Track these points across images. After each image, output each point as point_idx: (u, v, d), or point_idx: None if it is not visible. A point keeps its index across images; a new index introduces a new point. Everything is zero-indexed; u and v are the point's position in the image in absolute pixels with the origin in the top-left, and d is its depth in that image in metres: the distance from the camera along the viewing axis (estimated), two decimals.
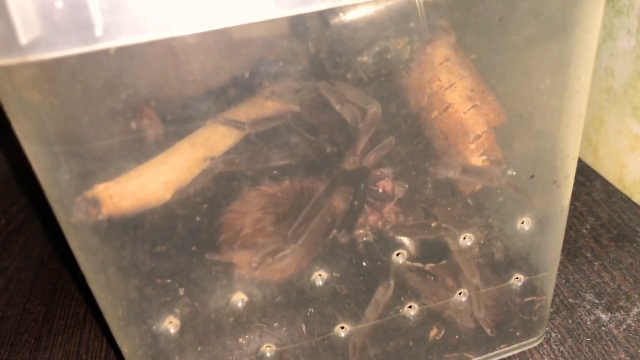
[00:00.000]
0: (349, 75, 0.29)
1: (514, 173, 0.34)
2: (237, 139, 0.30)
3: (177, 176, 0.29)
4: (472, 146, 0.33)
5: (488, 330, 0.38)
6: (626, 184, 0.58)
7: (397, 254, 0.35)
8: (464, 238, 0.35)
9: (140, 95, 0.26)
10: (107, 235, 0.29)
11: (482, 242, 0.36)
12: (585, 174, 0.61)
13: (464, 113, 0.32)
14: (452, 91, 0.32)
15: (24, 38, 0.22)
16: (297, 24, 0.27)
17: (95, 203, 0.27)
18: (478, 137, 0.33)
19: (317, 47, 0.27)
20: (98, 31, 0.22)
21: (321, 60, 0.28)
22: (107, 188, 0.27)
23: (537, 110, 0.33)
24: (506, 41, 0.31)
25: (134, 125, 0.26)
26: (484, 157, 0.33)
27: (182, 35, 0.24)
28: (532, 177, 0.35)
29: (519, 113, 0.34)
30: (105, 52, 0.24)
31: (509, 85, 0.33)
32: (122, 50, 0.24)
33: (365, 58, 0.28)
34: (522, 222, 0.36)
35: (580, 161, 0.61)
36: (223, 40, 0.26)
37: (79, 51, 0.23)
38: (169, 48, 0.25)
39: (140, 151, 0.28)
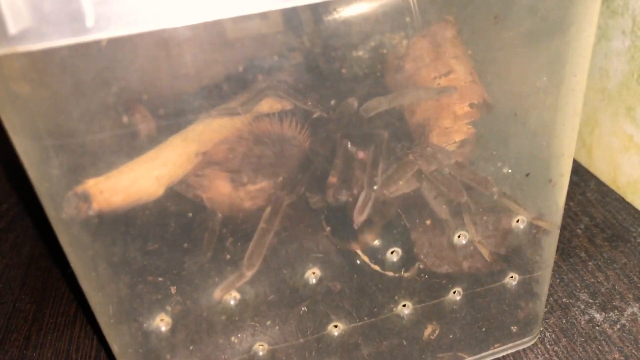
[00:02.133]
0: (344, 70, 0.28)
1: (510, 171, 0.34)
2: (230, 134, 0.29)
3: (169, 172, 0.28)
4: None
5: (486, 256, 0.37)
6: (620, 184, 0.58)
7: (392, 252, 0.34)
8: (459, 236, 0.35)
9: (131, 89, 0.25)
10: (97, 231, 0.29)
11: (477, 240, 0.36)
12: (579, 174, 0.61)
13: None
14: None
15: (12, 28, 0.21)
16: (291, 17, 0.26)
17: (86, 198, 0.27)
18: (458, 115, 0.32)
19: (312, 41, 0.27)
20: (89, 22, 0.22)
21: (316, 54, 0.27)
22: (98, 183, 0.27)
23: (533, 108, 0.33)
24: (502, 38, 0.31)
25: (125, 119, 0.26)
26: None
27: (175, 27, 0.24)
28: (527, 175, 0.34)
29: (514, 111, 0.33)
30: (96, 44, 0.23)
31: (504, 82, 0.33)
32: (114, 42, 0.23)
33: (360, 53, 0.28)
34: (517, 221, 0.36)
35: (574, 161, 0.61)
36: (216, 33, 0.25)
37: (69, 42, 0.22)
38: (161, 40, 0.24)
39: (131, 146, 0.27)
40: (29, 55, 0.22)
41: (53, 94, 0.25)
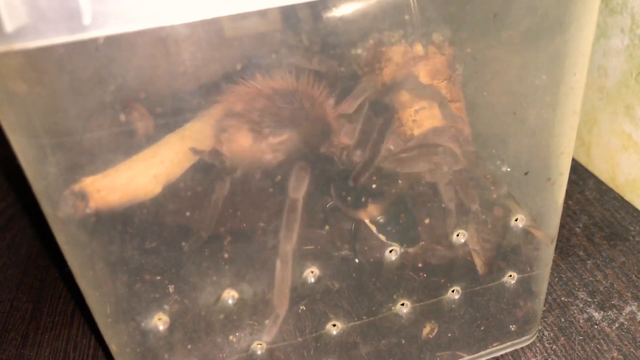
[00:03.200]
0: (342, 68, 0.28)
1: (508, 170, 0.34)
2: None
3: (166, 170, 0.28)
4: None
5: (480, 267, 0.37)
6: (619, 183, 0.58)
7: (390, 251, 0.34)
8: (457, 235, 0.35)
9: (129, 87, 0.25)
10: (95, 230, 0.28)
11: (474, 248, 0.36)
12: (578, 172, 0.61)
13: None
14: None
15: (9, 25, 0.21)
16: (289, 15, 0.26)
17: (83, 196, 0.27)
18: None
19: (311, 39, 0.27)
20: (86, 20, 0.22)
21: (314, 52, 0.27)
22: (95, 181, 0.27)
23: (532, 106, 0.33)
24: (501, 36, 0.31)
25: (122, 117, 0.26)
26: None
27: (173, 25, 0.24)
28: (526, 173, 0.34)
29: (513, 109, 0.33)
30: (94, 42, 0.23)
31: (503, 81, 0.33)
32: (111, 40, 0.23)
33: (359, 51, 0.28)
34: (516, 220, 0.36)
35: (573, 160, 0.61)
36: (214, 31, 0.25)
37: (66, 40, 0.22)
38: (159, 38, 0.24)
39: (129, 144, 0.27)
40: (26, 53, 0.22)
41: (50, 92, 0.24)
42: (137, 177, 0.28)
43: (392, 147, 0.32)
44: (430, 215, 0.34)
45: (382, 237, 0.34)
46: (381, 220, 0.33)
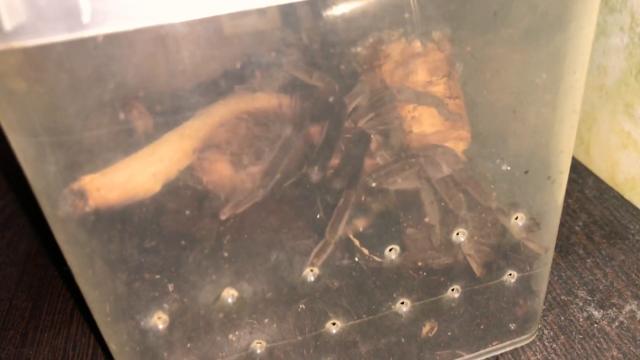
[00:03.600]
0: (342, 67, 0.28)
1: (508, 168, 0.34)
2: (228, 117, 0.29)
3: (165, 167, 0.28)
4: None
5: (475, 269, 0.37)
6: (618, 181, 0.58)
7: (390, 250, 0.34)
8: (457, 234, 0.35)
9: (128, 85, 0.25)
10: (94, 229, 0.28)
11: (475, 237, 0.35)
12: (577, 171, 0.61)
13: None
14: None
15: (8, 24, 0.21)
16: (289, 13, 0.26)
17: (82, 195, 0.27)
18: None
19: (310, 37, 0.27)
20: (85, 18, 0.22)
21: (314, 51, 0.27)
22: (94, 180, 0.27)
23: (532, 104, 0.33)
24: (501, 34, 0.31)
25: (122, 116, 0.26)
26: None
27: (172, 23, 0.24)
28: (526, 172, 0.34)
29: (513, 108, 0.33)
30: (93, 40, 0.23)
31: (503, 79, 0.33)
32: (110, 38, 0.23)
33: (359, 49, 0.28)
34: (516, 218, 0.36)
35: (572, 159, 0.61)
36: (214, 30, 0.25)
37: (65, 38, 0.22)
38: (158, 37, 0.24)
39: (128, 143, 0.27)
40: (25, 51, 0.22)
41: (49, 90, 0.24)
42: (136, 175, 0.28)
43: (380, 162, 0.32)
44: (420, 223, 0.35)
45: (365, 251, 0.34)
46: (370, 238, 0.34)
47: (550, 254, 0.38)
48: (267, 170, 0.30)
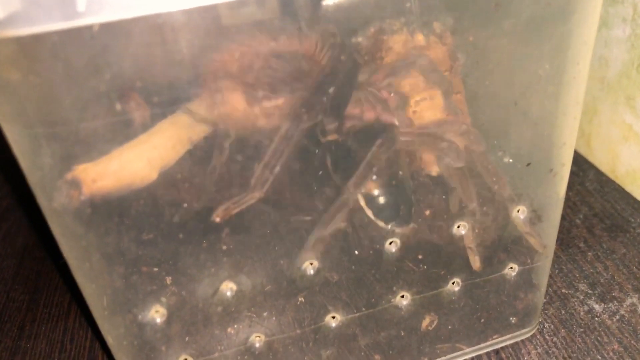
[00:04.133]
0: (343, 57, 0.28)
1: (510, 160, 0.34)
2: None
3: (160, 155, 0.28)
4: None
5: (474, 263, 0.36)
6: (619, 174, 0.57)
7: (390, 243, 0.34)
8: (458, 227, 0.35)
9: (125, 76, 0.25)
10: (91, 221, 0.28)
11: (476, 230, 0.35)
12: (578, 164, 0.61)
13: None
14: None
15: (1, 12, 0.20)
16: (288, 2, 0.26)
17: (76, 184, 0.26)
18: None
19: (310, 27, 0.26)
20: (80, 6, 0.21)
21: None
22: (87, 168, 0.26)
23: (534, 96, 0.32)
24: (503, 25, 0.30)
25: (118, 107, 0.25)
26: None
27: (169, 12, 0.23)
28: (528, 164, 0.34)
29: (515, 100, 0.33)
30: (88, 29, 0.22)
31: (505, 71, 0.32)
32: (106, 27, 0.23)
33: (359, 39, 0.27)
34: (518, 211, 0.35)
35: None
36: (212, 19, 0.25)
37: (60, 27, 0.22)
38: (155, 26, 0.24)
39: (125, 134, 0.26)
40: (18, 40, 0.22)
41: (44, 80, 0.24)
42: (130, 163, 0.27)
43: (397, 123, 0.32)
44: (431, 203, 0.34)
45: (369, 213, 0.33)
46: (378, 201, 0.33)
47: (552, 247, 0.38)
48: (263, 170, 0.30)
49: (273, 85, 0.28)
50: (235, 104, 0.28)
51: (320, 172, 0.31)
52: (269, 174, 0.30)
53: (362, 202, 0.33)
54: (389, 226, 0.33)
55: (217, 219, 0.30)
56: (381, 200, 0.33)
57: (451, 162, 0.32)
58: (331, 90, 0.29)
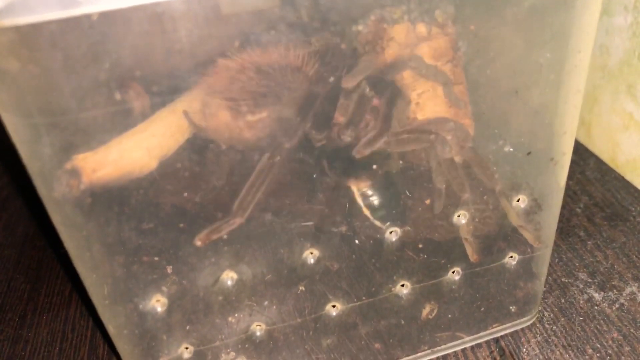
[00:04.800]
0: (343, 46, 0.28)
1: (511, 150, 0.34)
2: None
3: (159, 143, 0.28)
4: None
5: (471, 255, 0.37)
6: (619, 162, 0.57)
7: (391, 232, 0.34)
8: (458, 216, 0.35)
9: (124, 65, 0.25)
10: (91, 211, 0.28)
11: (476, 219, 0.35)
12: (578, 152, 0.61)
13: None
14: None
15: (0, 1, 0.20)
16: None
17: (76, 173, 0.26)
18: None
19: (311, 15, 0.26)
20: None
21: (314, 29, 0.27)
22: (87, 157, 0.26)
23: (535, 85, 0.32)
24: (505, 13, 0.30)
25: (118, 96, 0.25)
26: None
27: (169, 0, 0.23)
28: (529, 153, 0.34)
29: (515, 88, 0.33)
30: (87, 18, 0.22)
31: (506, 59, 0.32)
32: (105, 16, 0.23)
33: (360, 27, 0.27)
34: (518, 200, 0.35)
35: None
36: (211, 7, 0.24)
37: (58, 16, 0.21)
38: (154, 14, 0.23)
39: (125, 123, 0.26)
40: (17, 29, 0.22)
41: (43, 70, 0.24)
42: (129, 152, 0.27)
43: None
44: (424, 197, 0.34)
45: (367, 212, 0.33)
46: (373, 201, 0.33)
47: (552, 236, 0.38)
48: (245, 195, 0.30)
49: (257, 100, 0.29)
50: (221, 118, 0.29)
51: (316, 167, 0.31)
52: (251, 199, 0.30)
53: (360, 201, 0.33)
54: (385, 226, 0.34)
55: (199, 243, 0.31)
56: (376, 200, 0.33)
57: (440, 154, 0.32)
58: (315, 106, 0.29)
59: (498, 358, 0.39)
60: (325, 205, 0.32)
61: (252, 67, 0.28)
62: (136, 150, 0.28)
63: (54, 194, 0.27)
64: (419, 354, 0.39)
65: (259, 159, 0.29)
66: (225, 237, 0.31)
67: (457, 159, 0.33)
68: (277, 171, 0.30)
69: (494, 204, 0.35)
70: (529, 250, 0.38)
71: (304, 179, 0.32)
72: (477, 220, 0.35)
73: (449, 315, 0.38)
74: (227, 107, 0.29)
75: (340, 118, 0.30)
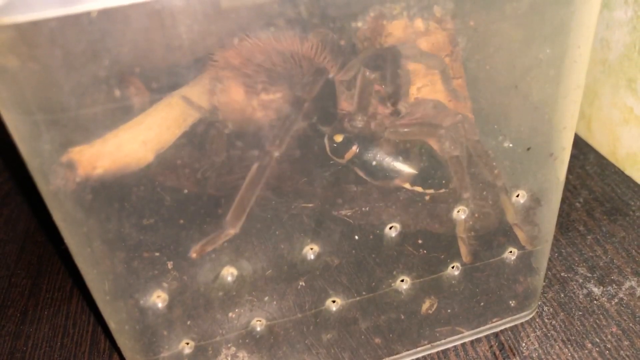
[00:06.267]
0: (342, 42, 0.28)
1: (510, 145, 0.34)
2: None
3: (156, 136, 0.28)
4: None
5: (463, 255, 0.37)
6: (619, 157, 0.57)
7: (390, 228, 0.34)
8: (458, 211, 0.35)
9: (124, 62, 0.25)
10: (91, 207, 0.28)
11: (476, 215, 0.35)
12: (578, 146, 0.61)
13: None
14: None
15: None
16: None
17: (71, 166, 0.26)
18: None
19: (310, 11, 0.26)
20: None
21: (313, 25, 0.27)
22: (82, 150, 0.26)
23: (535, 80, 0.32)
24: (505, 8, 0.30)
25: (117, 93, 0.25)
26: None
27: None
28: (528, 149, 0.34)
29: (515, 83, 0.33)
30: (87, 15, 0.22)
31: (506, 54, 0.32)
32: (105, 13, 0.23)
33: (359, 24, 0.27)
34: (517, 195, 0.35)
35: None
36: (210, 3, 0.24)
37: (58, 13, 0.21)
38: (154, 11, 0.23)
39: (124, 120, 0.26)
40: (17, 27, 0.22)
41: (43, 67, 0.24)
42: (125, 144, 0.27)
43: (386, 122, 0.32)
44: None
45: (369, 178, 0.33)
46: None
47: (551, 231, 0.38)
48: (237, 206, 0.30)
49: (273, 80, 0.28)
50: (233, 95, 0.28)
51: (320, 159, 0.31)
52: (244, 209, 0.30)
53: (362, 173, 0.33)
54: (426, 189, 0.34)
55: (194, 255, 0.31)
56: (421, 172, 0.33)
57: (447, 150, 0.32)
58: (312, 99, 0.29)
59: (498, 352, 0.39)
60: (326, 193, 0.32)
61: (271, 49, 0.28)
62: (132, 143, 0.28)
63: (51, 187, 0.27)
64: (419, 349, 0.39)
65: (260, 153, 0.29)
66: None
67: (467, 152, 0.33)
68: (273, 173, 0.30)
69: (494, 199, 0.35)
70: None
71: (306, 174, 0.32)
72: (476, 215, 0.35)
73: (449, 310, 0.39)
74: (241, 84, 0.29)
75: (348, 107, 0.30)
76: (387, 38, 0.29)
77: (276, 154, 0.29)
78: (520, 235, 0.37)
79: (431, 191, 0.34)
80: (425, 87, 0.31)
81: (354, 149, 0.32)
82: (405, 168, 0.33)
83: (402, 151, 0.33)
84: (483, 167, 0.34)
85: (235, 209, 0.30)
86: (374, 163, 0.32)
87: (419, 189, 0.33)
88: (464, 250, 0.36)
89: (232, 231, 0.30)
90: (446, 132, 0.32)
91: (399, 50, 0.30)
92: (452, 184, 0.34)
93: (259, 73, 0.28)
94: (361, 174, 0.32)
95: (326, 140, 0.32)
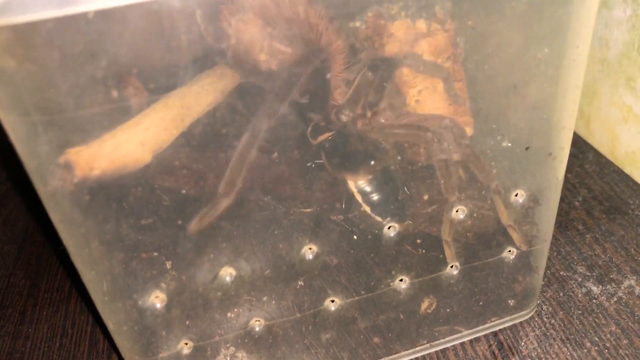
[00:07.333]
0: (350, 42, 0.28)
1: (509, 145, 0.34)
2: (214, 98, 0.28)
3: (153, 136, 0.28)
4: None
5: (449, 258, 0.37)
6: (618, 155, 0.57)
7: (389, 227, 0.34)
8: (457, 211, 0.35)
9: (121, 62, 0.25)
10: (89, 207, 0.28)
11: (475, 214, 0.35)
12: (577, 145, 0.61)
13: None
14: None
15: None
16: None
17: (68, 167, 0.26)
18: None
19: (307, 12, 0.26)
20: None
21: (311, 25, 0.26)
22: (80, 151, 0.26)
23: (534, 80, 0.32)
24: (504, 8, 0.30)
25: (114, 93, 0.25)
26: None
27: None
28: (527, 148, 0.34)
29: (514, 83, 0.33)
30: (84, 16, 0.22)
31: (505, 54, 0.32)
32: (102, 14, 0.22)
33: (357, 24, 0.27)
34: (516, 195, 0.35)
35: None
36: (207, 4, 0.24)
37: (55, 14, 0.21)
38: (151, 12, 0.23)
39: (122, 121, 0.26)
40: (14, 28, 0.21)
41: (40, 68, 0.24)
42: (123, 145, 0.27)
43: (383, 120, 0.32)
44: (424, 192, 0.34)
45: (367, 208, 0.33)
46: (368, 191, 0.33)
47: (550, 230, 0.38)
48: (230, 173, 0.30)
49: (288, 33, 0.28)
50: (250, 29, 0.28)
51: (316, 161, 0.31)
52: (236, 177, 0.30)
53: (359, 199, 0.33)
54: (385, 221, 0.34)
55: (193, 230, 0.31)
56: (376, 196, 0.33)
57: (436, 153, 0.32)
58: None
59: (497, 352, 0.39)
60: (324, 197, 0.32)
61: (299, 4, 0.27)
62: (130, 144, 0.28)
63: (48, 188, 0.27)
64: (417, 348, 0.39)
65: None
66: (223, 232, 0.31)
67: (455, 156, 0.33)
68: (267, 161, 0.30)
69: (491, 200, 0.35)
70: (527, 244, 0.38)
71: (302, 172, 0.32)
72: (474, 215, 0.35)
73: (448, 310, 0.39)
74: (260, 24, 0.28)
75: (339, 100, 0.30)
76: (388, 39, 0.29)
77: (268, 124, 0.29)
78: (515, 236, 0.37)
79: (390, 221, 0.34)
80: (426, 90, 0.31)
81: (328, 135, 0.31)
82: (363, 169, 0.33)
83: (369, 155, 0.32)
84: (476, 170, 0.34)
85: (227, 177, 0.30)
86: (340, 153, 0.32)
87: (378, 218, 0.34)
88: (448, 253, 0.36)
89: (225, 200, 0.30)
90: (433, 135, 0.32)
91: (400, 61, 0.31)
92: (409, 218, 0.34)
93: (280, 18, 0.28)
94: (323, 158, 0.32)
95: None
